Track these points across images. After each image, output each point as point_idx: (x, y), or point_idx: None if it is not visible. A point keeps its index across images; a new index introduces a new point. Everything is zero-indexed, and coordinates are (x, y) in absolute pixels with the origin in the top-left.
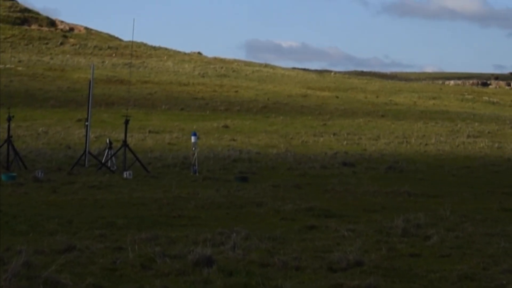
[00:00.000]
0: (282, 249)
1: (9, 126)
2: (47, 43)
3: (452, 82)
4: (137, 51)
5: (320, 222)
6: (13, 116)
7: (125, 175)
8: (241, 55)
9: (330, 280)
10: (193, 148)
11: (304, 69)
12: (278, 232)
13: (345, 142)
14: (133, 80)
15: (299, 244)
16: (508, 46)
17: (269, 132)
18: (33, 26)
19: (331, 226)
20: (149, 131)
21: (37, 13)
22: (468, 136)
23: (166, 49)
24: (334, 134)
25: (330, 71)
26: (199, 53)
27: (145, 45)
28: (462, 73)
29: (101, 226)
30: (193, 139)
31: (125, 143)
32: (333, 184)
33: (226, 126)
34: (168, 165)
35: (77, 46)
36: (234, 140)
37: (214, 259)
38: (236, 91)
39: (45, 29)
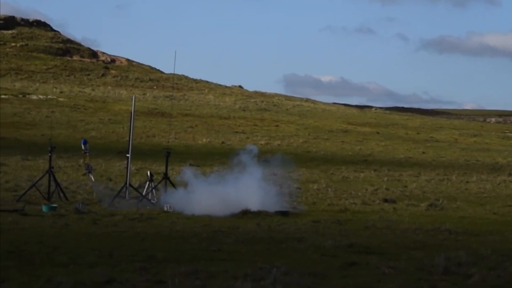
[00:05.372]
0: (323, 285)
1: (50, 157)
2: (88, 74)
3: (493, 119)
4: (178, 83)
5: (360, 259)
6: (54, 147)
7: (165, 208)
8: (280, 90)
9: None
10: None
11: (345, 104)
12: (319, 268)
13: (385, 178)
14: (174, 113)
15: (340, 281)
16: None
17: (309, 167)
18: (75, 57)
19: (371, 263)
20: (190, 164)
21: (79, 44)
22: (510, 175)
23: (207, 82)
24: (374, 170)
25: (370, 107)
26: (240, 86)
27: (186, 78)
28: (502, 111)
29: (141, 259)
30: None
31: (166, 176)
32: (373, 220)
33: (266, 161)
34: None
35: (119, 77)
36: (274, 174)
37: None
38: (277, 125)
39: (87, 60)
